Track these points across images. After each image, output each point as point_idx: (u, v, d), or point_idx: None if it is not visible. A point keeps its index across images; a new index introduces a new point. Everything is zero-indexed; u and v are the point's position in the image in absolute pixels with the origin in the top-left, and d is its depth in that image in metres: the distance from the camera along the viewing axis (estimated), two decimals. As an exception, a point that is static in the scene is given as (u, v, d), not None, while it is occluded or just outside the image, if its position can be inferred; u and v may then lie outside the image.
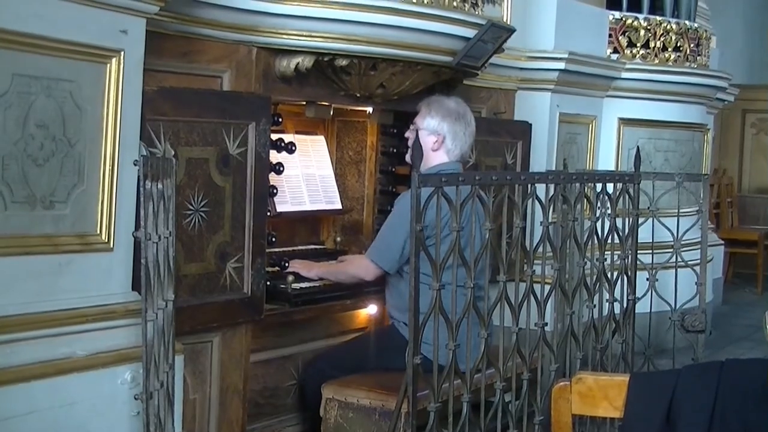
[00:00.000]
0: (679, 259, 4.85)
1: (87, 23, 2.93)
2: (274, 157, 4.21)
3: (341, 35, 3.94)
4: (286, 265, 4.31)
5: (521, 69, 5.81)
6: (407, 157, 4.24)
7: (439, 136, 4.12)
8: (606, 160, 6.75)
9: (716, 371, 2.02)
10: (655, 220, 4.76)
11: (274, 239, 4.21)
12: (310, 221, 4.86)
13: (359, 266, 4.21)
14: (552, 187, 3.92)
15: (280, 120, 4.26)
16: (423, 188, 3.15)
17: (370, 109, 4.70)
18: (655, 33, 6.91)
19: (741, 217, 10.85)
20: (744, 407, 1.97)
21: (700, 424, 1.97)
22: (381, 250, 4.09)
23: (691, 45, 7.11)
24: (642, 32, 6.88)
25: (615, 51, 6.80)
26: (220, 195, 3.61)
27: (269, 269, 4.05)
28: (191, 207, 3.50)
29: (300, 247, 4.71)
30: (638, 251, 4.57)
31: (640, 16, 6.90)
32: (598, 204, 4.26)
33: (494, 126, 5.29)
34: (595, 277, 4.27)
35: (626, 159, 6.64)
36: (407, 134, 4.25)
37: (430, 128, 4.12)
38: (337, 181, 4.82)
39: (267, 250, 3.91)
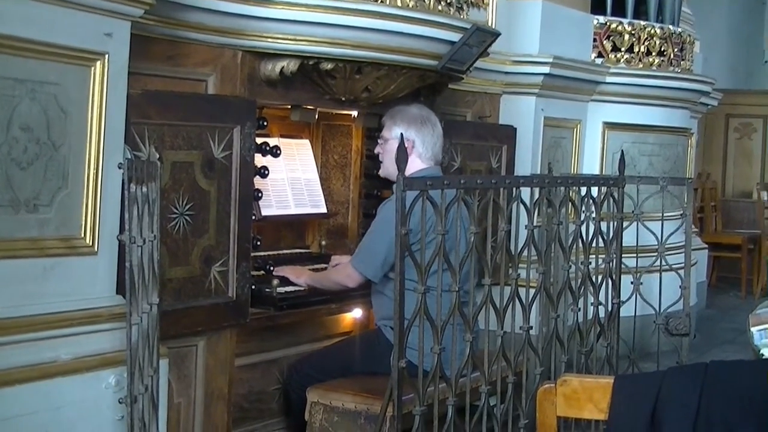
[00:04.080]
0: (663, 263, 4.86)
1: (71, 26, 2.93)
2: (259, 160, 4.21)
3: (326, 39, 3.95)
4: (271, 269, 4.31)
5: (506, 73, 5.83)
6: (381, 172, 4.28)
7: (409, 142, 4.14)
8: (590, 164, 6.77)
9: (701, 373, 2.03)
10: (639, 223, 4.77)
11: (259, 243, 4.21)
12: (295, 225, 4.86)
13: (343, 274, 4.23)
14: (537, 190, 3.93)
15: (266, 124, 4.26)
16: (408, 192, 3.16)
17: (355, 113, 4.71)
18: (640, 37, 6.95)
19: (725, 221, 10.89)
20: (728, 409, 1.98)
21: (684, 425, 1.97)
22: (363, 257, 4.10)
23: (675, 49, 7.15)
24: (626, 37, 6.91)
25: (599, 55, 6.83)
26: (205, 199, 3.60)
27: (254, 273, 4.05)
28: (176, 210, 3.50)
29: (285, 251, 4.70)
30: (623, 255, 4.59)
31: (625, 21, 6.93)
32: (583, 208, 4.27)
33: (479, 130, 5.30)
34: (579, 280, 4.29)
35: (611, 163, 6.67)
36: (377, 150, 4.29)
37: (398, 136, 4.13)
38: (322, 184, 4.82)
39: (252, 254, 3.91)
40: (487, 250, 3.57)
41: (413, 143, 4.17)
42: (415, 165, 4.15)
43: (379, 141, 4.27)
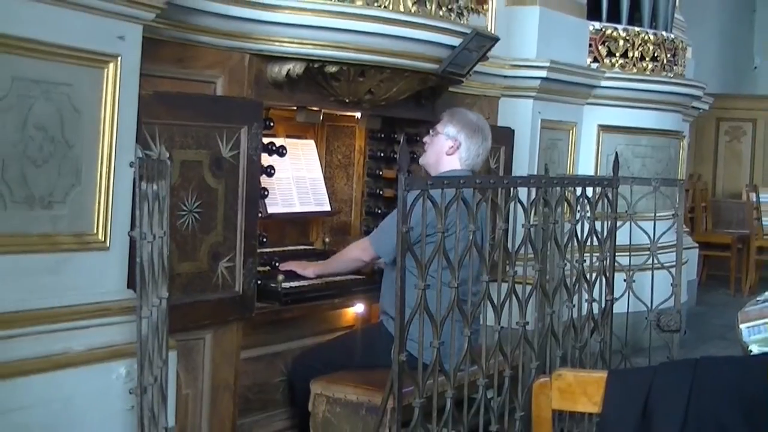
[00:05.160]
0: (655, 261, 4.86)
1: (85, 29, 2.93)
2: (266, 160, 4.21)
3: (331, 43, 3.95)
4: (277, 264, 4.31)
5: (504, 77, 5.82)
6: (420, 160, 4.30)
7: (456, 142, 4.18)
8: (586, 165, 6.76)
9: (691, 368, 2.03)
10: (632, 223, 4.78)
11: (265, 240, 4.21)
12: (299, 222, 4.86)
13: (358, 248, 4.28)
14: (534, 190, 3.93)
15: (272, 124, 4.26)
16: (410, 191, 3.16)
17: (358, 115, 4.71)
18: (634, 43, 6.94)
19: (715, 221, 10.88)
20: (718, 403, 1.98)
21: (675, 419, 1.98)
22: (380, 236, 4.12)
23: (668, 55, 7.14)
24: (621, 42, 6.90)
25: (595, 60, 6.82)
26: (213, 196, 3.60)
27: (260, 269, 4.05)
28: (185, 208, 3.50)
29: (290, 248, 4.70)
30: (616, 253, 4.58)
31: (619, 27, 6.92)
32: (578, 207, 4.27)
33: (478, 132, 5.29)
34: (574, 278, 4.29)
35: (605, 164, 6.66)
36: (425, 139, 4.30)
37: (449, 134, 4.19)
38: (326, 183, 4.82)
39: (258, 250, 3.91)
40: (485, 248, 3.57)
41: (459, 145, 4.19)
42: (452, 165, 4.19)
43: (430, 132, 4.29)
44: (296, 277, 4.27)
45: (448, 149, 4.19)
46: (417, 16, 4.10)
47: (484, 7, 5.39)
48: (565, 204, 4.19)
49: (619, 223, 4.61)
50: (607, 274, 4.51)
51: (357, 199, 4.99)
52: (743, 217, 10.51)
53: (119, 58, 3.05)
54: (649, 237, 4.86)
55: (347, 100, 4.27)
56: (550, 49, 6.02)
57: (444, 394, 3.40)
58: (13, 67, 2.75)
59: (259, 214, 4.00)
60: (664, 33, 7.16)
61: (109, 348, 3.05)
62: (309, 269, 4.33)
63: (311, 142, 4.84)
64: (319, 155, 4.85)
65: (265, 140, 4.14)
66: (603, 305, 4.51)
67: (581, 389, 2.05)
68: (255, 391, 4.20)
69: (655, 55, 7.04)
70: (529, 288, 3.84)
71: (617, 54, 6.89)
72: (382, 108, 4.50)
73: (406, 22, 4.05)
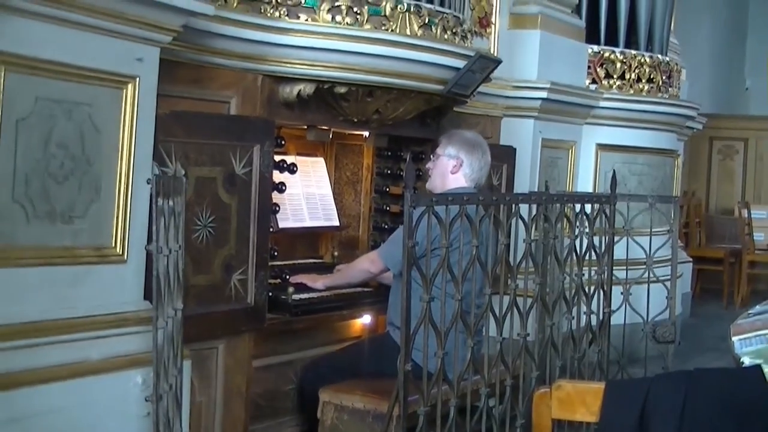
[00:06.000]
0: (651, 275, 4.85)
1: (105, 51, 2.94)
2: (277, 176, 4.21)
3: (340, 65, 3.96)
4: (287, 277, 4.31)
5: (507, 97, 5.83)
6: (427, 185, 4.29)
7: (458, 160, 4.17)
8: (584, 183, 6.76)
9: (685, 379, 2.02)
10: (629, 238, 4.77)
11: (276, 253, 4.21)
12: (309, 237, 4.86)
13: (367, 260, 4.28)
14: (534, 207, 3.93)
15: (283, 142, 4.26)
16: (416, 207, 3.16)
17: (366, 133, 4.71)
18: (631, 65, 6.94)
19: (708, 236, 10.86)
20: (710, 412, 1.98)
21: (670, 427, 1.97)
22: (388, 249, 4.12)
23: (663, 77, 7.14)
24: (618, 65, 6.91)
25: (593, 82, 6.83)
26: (227, 212, 3.61)
27: (271, 281, 4.05)
28: (199, 222, 3.50)
29: (300, 261, 4.70)
30: (613, 267, 4.58)
31: (617, 50, 6.93)
32: (577, 223, 4.27)
33: (481, 150, 5.29)
34: (573, 291, 4.28)
35: (603, 181, 6.66)
36: (428, 165, 4.31)
37: (451, 154, 4.18)
38: (335, 199, 4.82)
39: (269, 264, 3.91)
40: (487, 262, 3.57)
41: (462, 163, 4.18)
42: (458, 182, 4.18)
43: (431, 157, 4.29)
44: (306, 290, 4.27)
45: (452, 168, 4.18)
46: (423, 39, 4.10)
47: (488, 30, 5.41)
48: (565, 220, 4.19)
49: (616, 239, 4.60)
50: (605, 288, 4.50)
51: (365, 215, 4.99)
52: (735, 233, 10.49)
53: (137, 79, 3.07)
54: (645, 252, 4.85)
55: (355, 120, 4.27)
56: (551, 71, 6.03)
57: (448, 402, 3.40)
58: (37, 87, 2.76)
59: (271, 229, 4.00)
60: (659, 56, 7.17)
61: (126, 357, 3.05)
62: (319, 282, 4.33)
63: (321, 160, 4.85)
64: (328, 172, 4.86)
65: (277, 158, 4.14)
66: (601, 317, 4.50)
67: (580, 399, 2.05)
68: (266, 399, 4.19)
69: (651, 76, 7.05)
70: (529, 300, 3.84)
71: (615, 76, 6.89)
72: (389, 127, 4.50)
73: (412, 45, 4.06)
